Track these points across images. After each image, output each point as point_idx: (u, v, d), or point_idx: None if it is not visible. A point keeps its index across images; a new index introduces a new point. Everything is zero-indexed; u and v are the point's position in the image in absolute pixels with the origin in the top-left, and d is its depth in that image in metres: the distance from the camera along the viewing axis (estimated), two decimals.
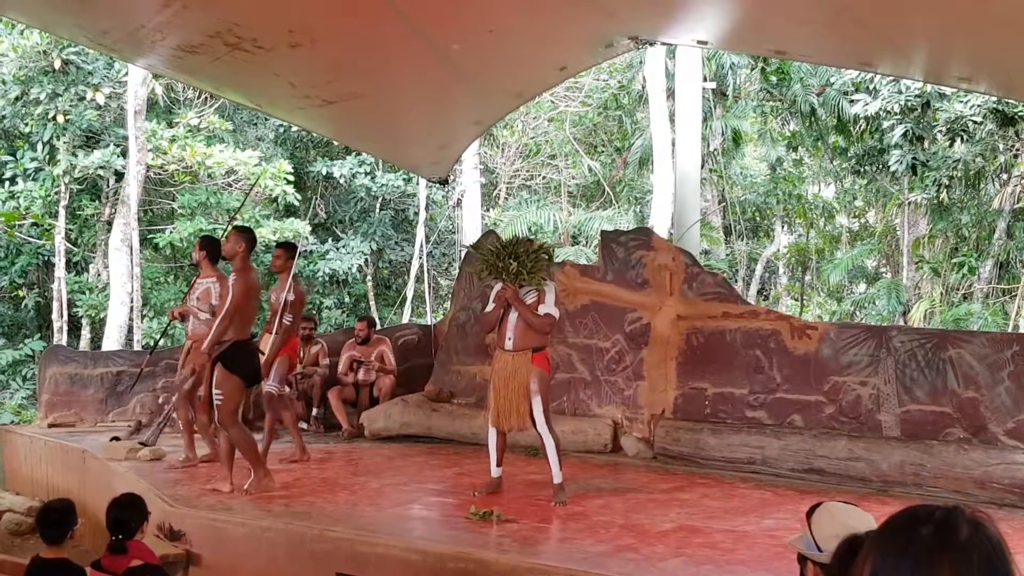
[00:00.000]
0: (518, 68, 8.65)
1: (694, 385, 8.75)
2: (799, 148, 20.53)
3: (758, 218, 23.07)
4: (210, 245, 8.05)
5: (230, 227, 7.69)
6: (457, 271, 14.66)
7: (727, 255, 21.73)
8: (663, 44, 12.12)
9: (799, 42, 7.86)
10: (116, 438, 9.19)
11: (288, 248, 8.08)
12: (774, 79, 18.46)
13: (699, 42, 9.25)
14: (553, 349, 7.61)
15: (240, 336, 6.89)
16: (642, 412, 8.97)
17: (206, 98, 17.30)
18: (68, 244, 16.58)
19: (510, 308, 6.63)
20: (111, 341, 15.50)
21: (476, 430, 8.98)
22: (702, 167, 15.79)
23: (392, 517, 6.35)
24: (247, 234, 7.20)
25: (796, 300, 22.84)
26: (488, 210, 20.08)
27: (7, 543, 8.29)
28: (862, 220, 23.69)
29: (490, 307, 6.80)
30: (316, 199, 20.28)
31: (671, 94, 15.55)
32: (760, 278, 23.40)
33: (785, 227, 24.29)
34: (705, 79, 15.60)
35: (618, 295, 9.31)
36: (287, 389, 8.51)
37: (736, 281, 20.81)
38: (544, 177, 21.68)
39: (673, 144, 14.80)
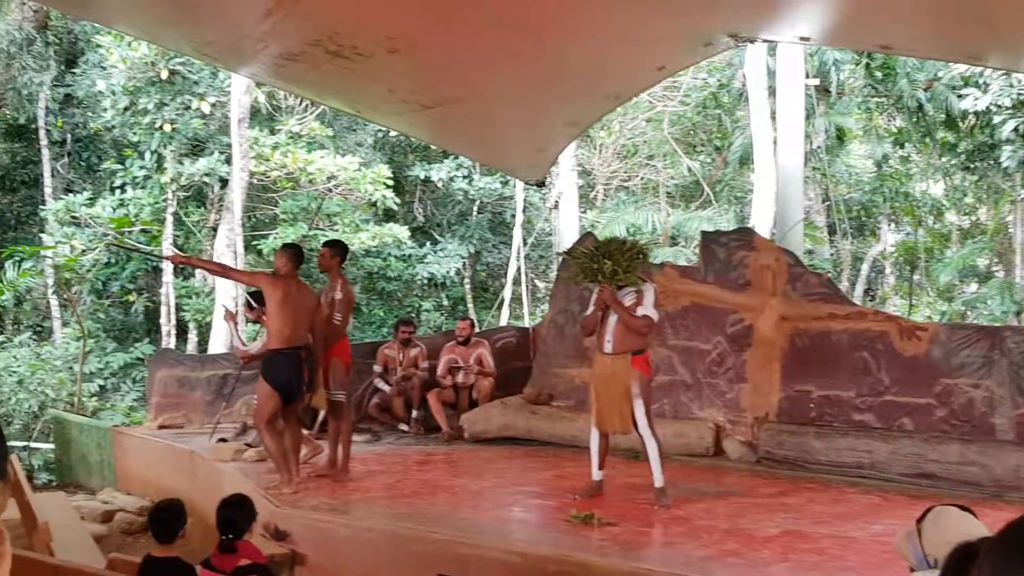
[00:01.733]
0: (616, 69, 8.57)
1: (799, 388, 8.57)
2: (906, 144, 20.03)
3: (863, 216, 22.54)
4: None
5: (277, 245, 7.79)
6: (554, 273, 14.64)
7: (831, 255, 21.30)
8: (764, 41, 11.91)
9: (905, 36, 7.64)
10: (223, 439, 9.38)
11: (334, 246, 7.96)
12: (879, 74, 18.02)
13: (801, 39, 9.05)
14: (653, 351, 7.53)
15: (278, 345, 7.08)
16: (745, 415, 8.82)
17: (307, 105, 17.58)
18: (175, 250, 16.99)
19: (609, 310, 6.58)
20: (217, 344, 15.84)
21: (576, 433, 8.94)
22: (805, 165, 15.51)
23: (492, 519, 6.36)
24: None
25: (904, 300, 22.27)
26: (585, 212, 20.01)
27: (120, 541, 8.51)
28: (973, 217, 23.02)
29: (590, 310, 6.76)
30: (414, 203, 20.47)
31: (772, 91, 15.29)
32: (866, 278, 22.88)
33: (892, 225, 23.70)
34: (807, 76, 15.32)
35: (719, 296, 9.18)
36: (348, 393, 8.34)
37: (841, 281, 20.37)
38: (642, 178, 21.51)
39: (775, 142, 14.56)
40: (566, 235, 16.31)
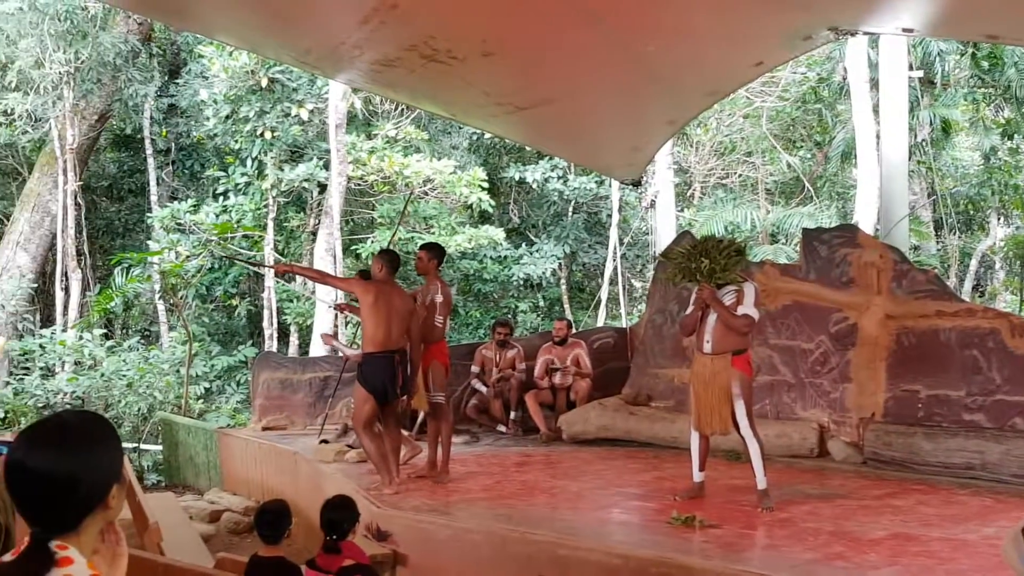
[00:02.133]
0: (712, 66, 8.47)
1: (906, 387, 8.35)
2: (1015, 136, 19.38)
3: (971, 211, 21.87)
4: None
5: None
6: (651, 273, 14.53)
7: (938, 250, 20.73)
8: (865, 34, 11.65)
9: (1013, 25, 7.39)
10: (325, 441, 9.52)
11: (431, 249, 7.93)
12: (986, 64, 17.47)
13: (904, 30, 8.84)
14: (754, 351, 7.42)
15: (371, 349, 7.18)
16: (850, 415, 8.62)
17: (403, 110, 17.75)
18: (276, 255, 17.31)
19: (709, 310, 6.50)
20: (318, 347, 16.07)
21: (676, 434, 8.86)
22: (909, 159, 15.12)
23: (592, 521, 6.33)
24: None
25: (1015, 296, 21.57)
26: (682, 210, 19.82)
27: (227, 541, 8.69)
28: None
29: (689, 309, 6.68)
30: (510, 204, 20.51)
31: (874, 84, 14.93)
32: (975, 274, 22.20)
33: (1001, 219, 22.91)
34: (911, 68, 14.92)
35: (822, 295, 9.00)
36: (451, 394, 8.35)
37: (949, 278, 19.82)
38: (740, 175, 21.22)
39: (877, 136, 14.21)
40: (663, 234, 16.17)
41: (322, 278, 9.11)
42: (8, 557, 1.93)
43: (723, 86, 9.58)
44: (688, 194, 21.65)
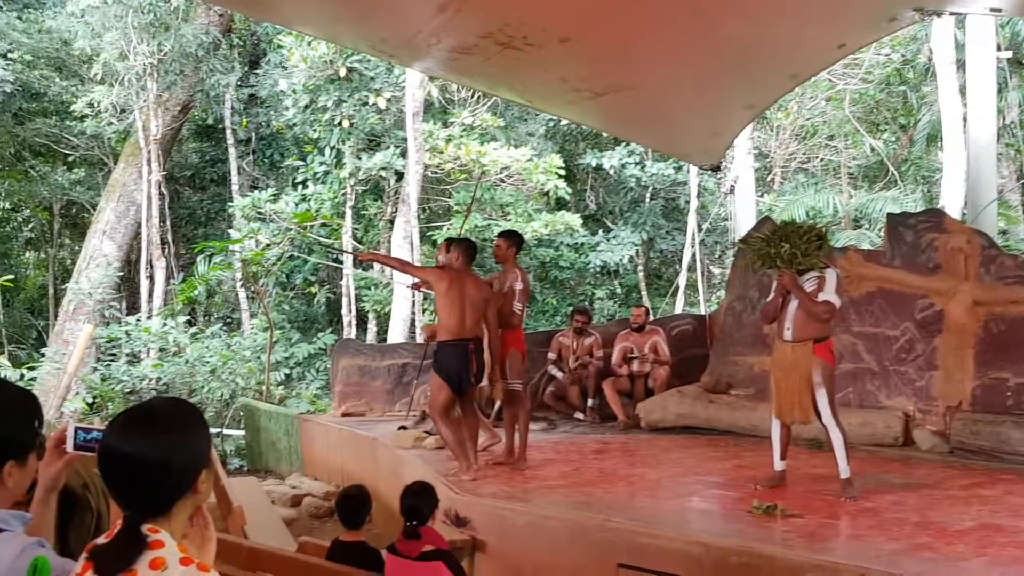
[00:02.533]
0: (793, 49, 8.33)
1: (994, 375, 8.14)
2: None
3: None
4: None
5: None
6: (730, 259, 14.36)
7: None
8: (951, 14, 11.35)
9: None
10: (403, 427, 9.59)
11: (510, 237, 7.90)
12: None
13: (992, 10, 8.59)
14: (837, 339, 7.29)
15: (445, 337, 7.21)
16: (936, 404, 8.44)
17: (479, 97, 17.76)
18: (355, 242, 17.47)
19: (789, 296, 6.40)
20: (396, 334, 16.20)
21: (756, 422, 8.75)
22: (997, 141, 14.72)
23: (671, 509, 6.28)
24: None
25: None
26: (762, 196, 19.55)
27: (308, 525, 8.79)
28: None
29: (771, 296, 6.59)
30: (586, 191, 20.43)
31: (961, 65, 14.56)
32: None
33: None
34: (999, 48, 14.52)
35: (907, 281, 8.81)
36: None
37: None
38: (822, 159, 20.85)
39: (964, 118, 13.86)
40: (742, 220, 15.97)
41: (402, 266, 9.14)
42: (102, 540, 1.97)
43: (805, 69, 9.42)
44: (768, 179, 21.35)
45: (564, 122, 18.71)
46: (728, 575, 4.89)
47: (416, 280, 8.78)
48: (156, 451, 1.94)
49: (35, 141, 22.10)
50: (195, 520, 2.09)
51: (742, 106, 9.84)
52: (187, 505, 2.03)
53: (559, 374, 10.81)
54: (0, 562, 2.00)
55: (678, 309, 17.64)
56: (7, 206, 24.16)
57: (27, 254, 25.37)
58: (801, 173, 21.26)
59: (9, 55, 19.63)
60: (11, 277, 15.83)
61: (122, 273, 20.05)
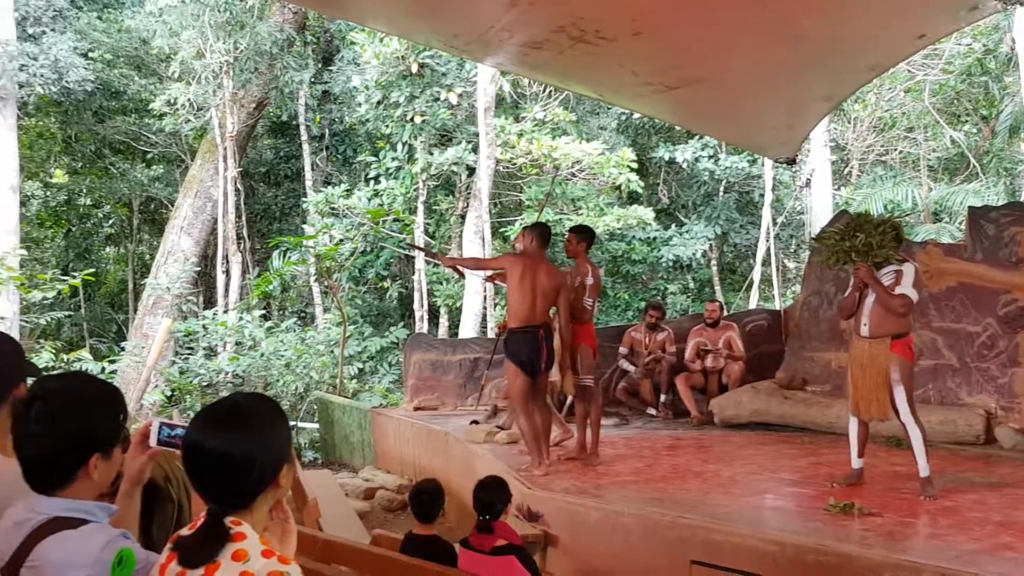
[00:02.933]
0: (872, 40, 8.15)
1: None
2: None
3: None
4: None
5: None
6: (806, 253, 14.17)
7: None
8: None
9: None
10: (475, 421, 9.61)
11: (581, 232, 7.89)
12: None
13: None
14: (916, 335, 7.14)
15: (516, 324, 7.22)
16: (1019, 401, 8.22)
17: (551, 91, 17.75)
18: (426, 237, 17.56)
19: (867, 291, 6.28)
20: (467, 329, 16.25)
21: (832, 419, 8.62)
22: None
23: (746, 506, 6.20)
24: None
25: None
26: (839, 189, 19.26)
27: (381, 518, 8.87)
28: None
29: (848, 291, 6.48)
30: (659, 185, 20.31)
31: None
32: None
33: None
34: None
35: (989, 275, 8.59)
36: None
37: None
38: (900, 151, 20.46)
39: None
40: (818, 213, 15.75)
41: (476, 264, 9.20)
42: (186, 531, 2.03)
43: (884, 60, 9.22)
44: (845, 172, 21.02)
45: (636, 115, 18.62)
46: (804, 574, 4.82)
47: (490, 272, 8.78)
48: (240, 446, 1.99)
49: (115, 139, 22.60)
50: (276, 513, 2.14)
51: (819, 98, 9.67)
52: (268, 499, 2.08)
53: (631, 368, 10.76)
54: (87, 553, 2.05)
55: (752, 304, 17.45)
56: (88, 202, 24.75)
57: (107, 249, 25.94)
58: (879, 166, 20.89)
59: (90, 54, 20.06)
60: (92, 271, 16.16)
61: (199, 268, 20.42)
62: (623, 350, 10.86)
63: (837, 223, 8.38)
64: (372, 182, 17.77)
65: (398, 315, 20.04)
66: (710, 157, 18.64)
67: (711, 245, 19.48)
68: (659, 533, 5.58)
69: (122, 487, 2.36)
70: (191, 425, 2.07)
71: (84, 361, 16.18)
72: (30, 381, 2.70)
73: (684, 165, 18.81)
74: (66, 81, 18.43)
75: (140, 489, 2.40)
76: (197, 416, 2.08)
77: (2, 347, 2.76)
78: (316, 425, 14.41)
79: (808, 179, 16.51)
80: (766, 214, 17.14)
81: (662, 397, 10.57)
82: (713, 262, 20.11)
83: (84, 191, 24.01)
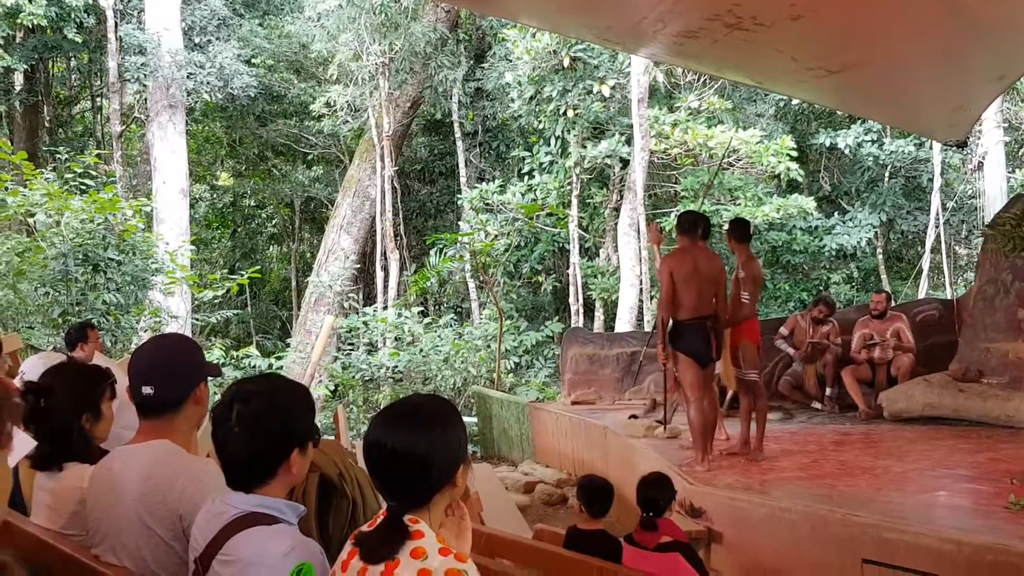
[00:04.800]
0: None
1: None
2: None
3: None
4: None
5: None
6: (978, 240, 13.56)
7: None
8: None
9: None
10: (634, 416, 9.53)
11: (731, 225, 7.77)
12: None
13: None
14: None
15: (683, 316, 7.09)
16: None
17: (705, 80, 17.50)
18: (580, 231, 17.55)
19: None
20: (623, 322, 16.17)
21: (1011, 412, 8.24)
22: None
23: (919, 503, 5.97)
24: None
25: None
26: (1014, 171, 18.37)
27: (541, 512, 8.89)
28: None
29: None
30: (820, 172, 19.79)
31: None
32: None
33: None
34: None
35: None
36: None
37: None
38: None
39: None
40: (992, 198, 15.08)
41: (667, 306, 7.93)
42: (366, 528, 2.11)
43: None
44: (1020, 153, 20.04)
45: (795, 101, 18.19)
46: (983, 574, 4.60)
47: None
48: (420, 446, 2.05)
49: (277, 141, 23.39)
50: (452, 511, 2.18)
51: (991, 78, 9.23)
52: (445, 497, 2.13)
53: (789, 350, 10.47)
54: (273, 553, 2.11)
55: (921, 293, 16.84)
56: (252, 204, 25.70)
57: (271, 249, 26.90)
58: None
59: (252, 61, 20.80)
60: (258, 269, 16.74)
61: (359, 265, 20.93)
62: (783, 330, 10.58)
63: (1013, 208, 7.98)
64: (526, 177, 17.88)
65: (553, 309, 20.09)
66: (874, 142, 18.05)
67: (876, 233, 18.86)
68: (828, 530, 5.42)
69: None
70: (372, 424, 2.14)
71: (252, 358, 16.81)
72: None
73: (846, 151, 18.28)
74: (231, 87, 19.18)
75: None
76: (378, 415, 2.15)
77: (183, 347, 2.88)
78: (475, 419, 14.58)
79: (980, 162, 15.83)
80: (935, 199, 16.51)
81: (827, 391, 10.27)
82: (879, 250, 19.46)
83: (248, 193, 24.95)
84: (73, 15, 18.11)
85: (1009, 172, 17.21)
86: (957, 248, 19.89)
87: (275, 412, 2.25)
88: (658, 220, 9.08)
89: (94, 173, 13.29)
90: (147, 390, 2.68)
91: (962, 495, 6.27)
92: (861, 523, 5.28)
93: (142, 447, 2.68)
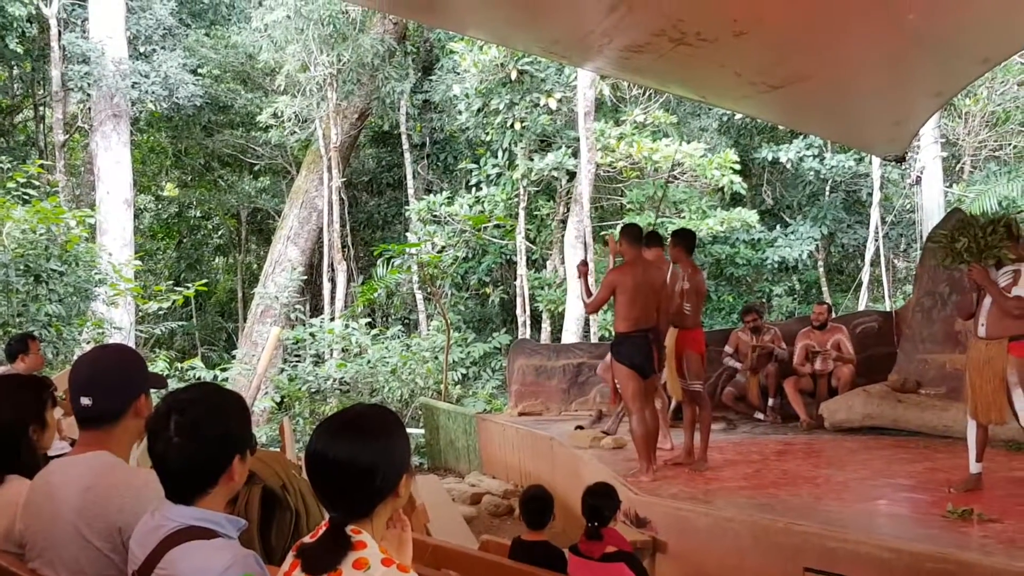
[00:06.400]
0: (985, 32, 7.90)
1: None
2: None
3: None
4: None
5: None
6: (917, 253, 13.80)
7: None
8: None
9: None
10: (580, 427, 9.59)
11: (675, 236, 7.70)
12: None
13: None
14: None
15: (625, 328, 7.17)
16: None
17: (651, 94, 17.66)
18: (527, 243, 17.62)
19: (984, 292, 6.10)
20: (569, 334, 16.25)
21: (949, 423, 8.38)
22: None
23: (860, 512, 6.07)
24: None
25: None
26: (951, 186, 18.73)
27: (488, 523, 8.90)
28: None
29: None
30: (763, 186, 20.05)
31: None
32: None
33: None
34: None
35: None
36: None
37: None
38: (1015, 146, 19.82)
39: None
40: (929, 212, 15.38)
41: (595, 307, 8.19)
42: (308, 539, 2.08)
43: (996, 53, 8.92)
44: (957, 168, 20.44)
45: (739, 116, 18.42)
46: None
47: (586, 262, 8.53)
48: (363, 456, 2.04)
49: (223, 152, 23.23)
50: (392, 522, 2.18)
51: (928, 93, 9.41)
52: (388, 508, 2.12)
53: (737, 365, 10.61)
54: (212, 568, 2.10)
55: (861, 305, 17.10)
56: (198, 214, 25.49)
57: (217, 260, 26.67)
58: (992, 161, 20.26)
59: (199, 71, 20.63)
60: (204, 282, 16.61)
61: (306, 277, 20.83)
62: (728, 349, 10.73)
63: (949, 222, 8.15)
64: (473, 189, 17.92)
65: (500, 321, 20.13)
66: (815, 156, 18.33)
67: (817, 246, 19.14)
68: (771, 539, 5.50)
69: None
70: (315, 434, 2.12)
71: (197, 369, 16.64)
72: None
73: (788, 165, 18.54)
74: (176, 97, 19.01)
75: None
76: (321, 425, 2.13)
77: (123, 358, 2.86)
78: (422, 431, 14.56)
79: (918, 176, 16.11)
80: (874, 213, 16.78)
81: (770, 401, 10.40)
82: (820, 263, 19.75)
83: (194, 203, 24.75)
84: (16, 24, 17.85)
85: (946, 187, 17.54)
86: (896, 261, 20.23)
87: (214, 419, 2.23)
88: (612, 234, 9.17)
89: (37, 183, 13.13)
90: (86, 401, 2.66)
91: (901, 504, 6.38)
92: (803, 532, 5.36)
93: (80, 458, 2.66)
